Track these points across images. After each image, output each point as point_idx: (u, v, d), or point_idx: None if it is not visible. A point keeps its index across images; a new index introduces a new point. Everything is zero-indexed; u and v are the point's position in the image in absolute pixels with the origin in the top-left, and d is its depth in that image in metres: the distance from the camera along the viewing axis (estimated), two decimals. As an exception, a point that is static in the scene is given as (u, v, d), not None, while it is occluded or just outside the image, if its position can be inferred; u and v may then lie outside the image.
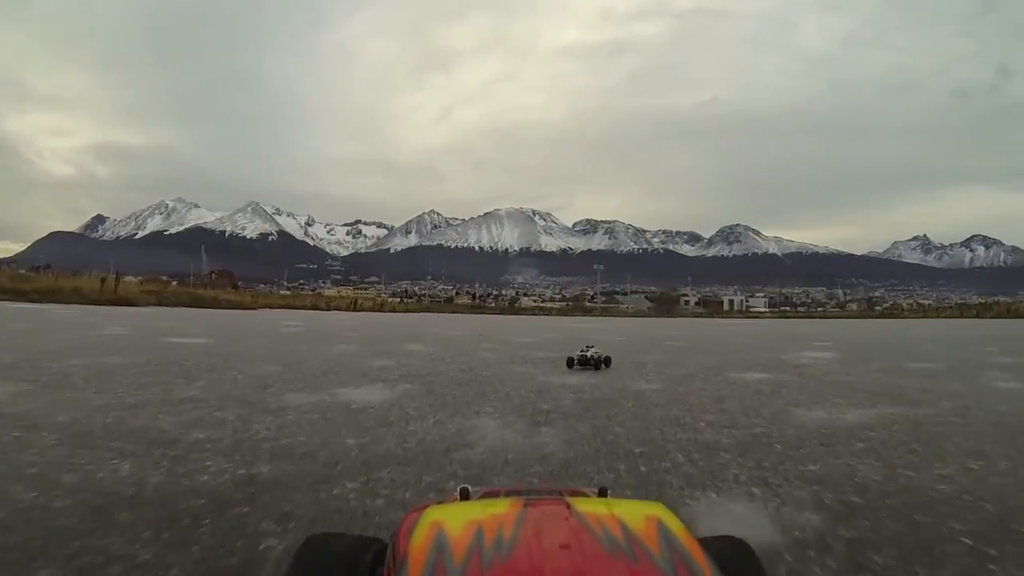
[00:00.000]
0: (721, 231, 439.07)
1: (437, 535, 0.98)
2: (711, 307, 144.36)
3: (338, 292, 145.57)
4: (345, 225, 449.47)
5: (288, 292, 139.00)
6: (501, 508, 1.07)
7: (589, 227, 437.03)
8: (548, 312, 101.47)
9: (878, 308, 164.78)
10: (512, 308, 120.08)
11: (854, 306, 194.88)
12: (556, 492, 1.26)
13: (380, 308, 78.45)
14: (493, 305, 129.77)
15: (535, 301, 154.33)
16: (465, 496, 1.27)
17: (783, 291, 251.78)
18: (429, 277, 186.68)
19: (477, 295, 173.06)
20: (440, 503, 1.27)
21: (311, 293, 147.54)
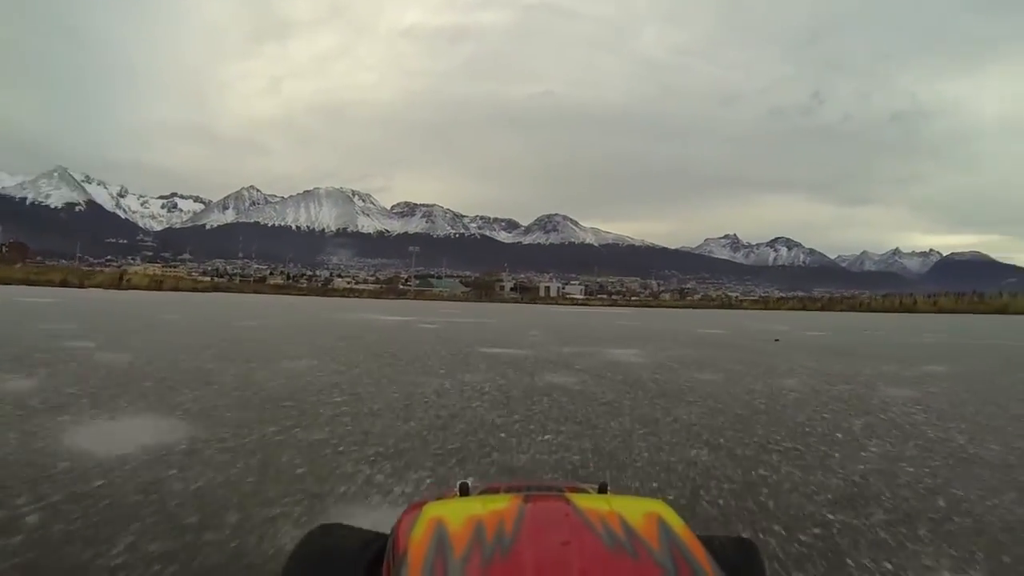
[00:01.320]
0: (539, 220, 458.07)
1: (437, 530, 0.98)
2: (529, 293, 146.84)
3: (144, 269, 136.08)
4: (161, 198, 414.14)
5: (89, 268, 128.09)
6: (501, 504, 1.07)
7: (407, 210, 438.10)
8: (360, 294, 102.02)
9: (689, 298, 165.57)
10: (324, 290, 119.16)
11: (667, 296, 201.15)
12: (556, 488, 1.30)
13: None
14: (304, 286, 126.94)
15: (348, 283, 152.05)
16: (465, 492, 1.27)
17: (598, 279, 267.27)
18: (241, 255, 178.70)
19: (290, 275, 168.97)
20: (439, 498, 1.28)
21: (117, 269, 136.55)
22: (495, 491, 1.25)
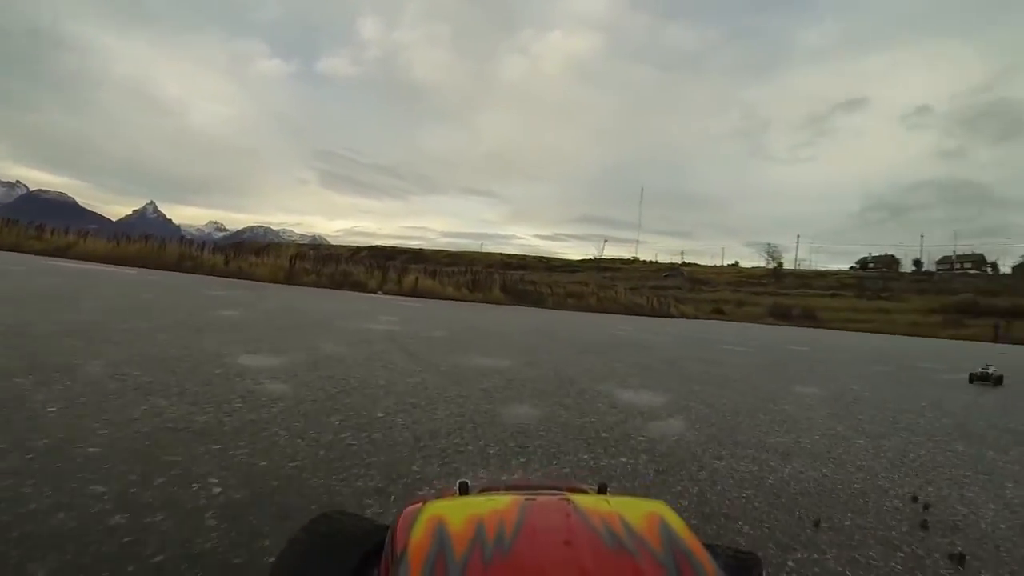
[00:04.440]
0: None
1: (438, 529, 0.94)
2: None
3: None
4: None
5: None
6: (502, 503, 1.03)
7: None
8: None
9: None
10: None
11: None
12: (556, 488, 1.25)
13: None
14: None
15: None
16: (464, 491, 1.22)
17: None
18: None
19: None
20: (439, 497, 1.19)
21: None
22: (495, 490, 1.26)
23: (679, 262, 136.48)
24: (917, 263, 77.83)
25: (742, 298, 77.30)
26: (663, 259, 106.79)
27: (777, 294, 70.72)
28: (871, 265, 79.91)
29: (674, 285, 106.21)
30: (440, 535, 0.92)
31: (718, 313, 55.21)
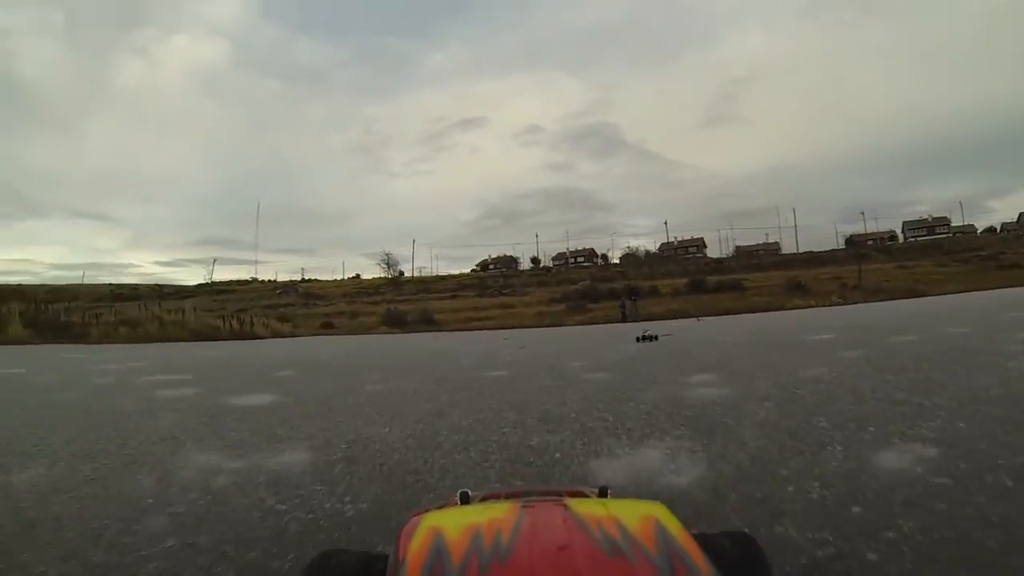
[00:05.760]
0: None
1: (435, 540, 0.97)
2: None
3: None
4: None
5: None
6: (499, 511, 1.06)
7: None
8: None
9: None
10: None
11: None
12: (556, 493, 1.26)
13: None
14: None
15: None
16: (465, 500, 1.25)
17: None
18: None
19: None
20: (440, 507, 1.26)
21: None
22: (495, 498, 1.28)
23: (299, 279, 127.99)
24: (535, 260, 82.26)
25: (357, 309, 73.09)
26: (283, 277, 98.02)
27: (394, 301, 68.98)
28: (491, 266, 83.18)
29: (287, 303, 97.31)
30: (437, 545, 0.95)
31: (327, 328, 49.03)
